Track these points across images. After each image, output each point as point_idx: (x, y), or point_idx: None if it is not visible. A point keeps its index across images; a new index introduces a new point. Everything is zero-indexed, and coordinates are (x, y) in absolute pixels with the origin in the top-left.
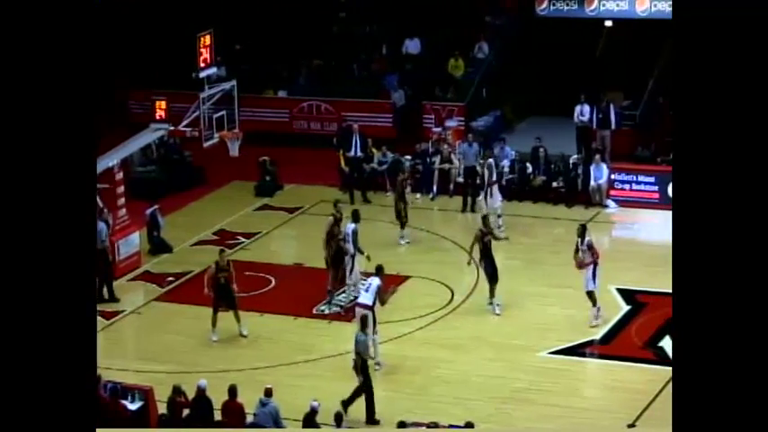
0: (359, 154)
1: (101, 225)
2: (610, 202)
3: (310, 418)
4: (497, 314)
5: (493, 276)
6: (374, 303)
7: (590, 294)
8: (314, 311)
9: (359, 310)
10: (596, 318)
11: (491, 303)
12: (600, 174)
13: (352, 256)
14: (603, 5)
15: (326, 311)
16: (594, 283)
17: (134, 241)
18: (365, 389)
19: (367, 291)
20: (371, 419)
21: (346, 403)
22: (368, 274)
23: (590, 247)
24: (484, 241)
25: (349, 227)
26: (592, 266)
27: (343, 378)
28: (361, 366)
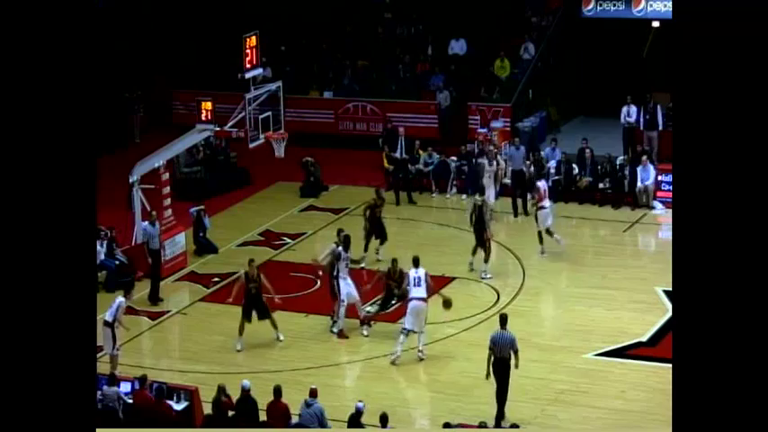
0: (404, 155)
1: (152, 229)
2: (656, 204)
3: (355, 419)
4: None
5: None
6: (429, 295)
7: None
8: (358, 313)
9: (416, 304)
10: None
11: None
12: (647, 175)
13: (337, 278)
14: (651, 6)
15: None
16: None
17: (180, 242)
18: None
19: (419, 285)
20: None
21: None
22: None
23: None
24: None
25: (336, 249)
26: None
27: (387, 379)
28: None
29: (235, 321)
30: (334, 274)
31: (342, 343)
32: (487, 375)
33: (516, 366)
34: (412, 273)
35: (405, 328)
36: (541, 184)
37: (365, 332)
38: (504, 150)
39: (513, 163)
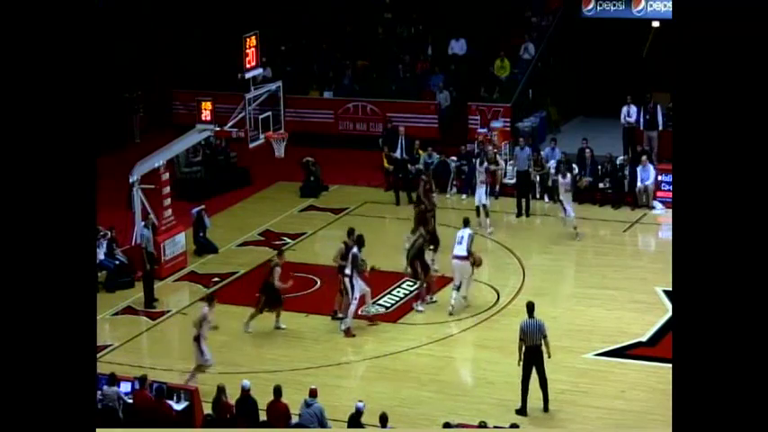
0: (404, 155)
1: (145, 232)
2: (656, 204)
3: (355, 419)
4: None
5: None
6: (469, 254)
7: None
8: (359, 312)
9: (456, 263)
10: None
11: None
12: (647, 175)
13: (350, 277)
14: (651, 6)
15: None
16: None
17: (180, 242)
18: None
19: (460, 243)
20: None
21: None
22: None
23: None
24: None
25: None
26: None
27: (387, 379)
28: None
29: (235, 321)
30: (347, 272)
31: (350, 337)
32: (519, 362)
33: (549, 355)
34: (459, 232)
35: (454, 284)
36: (564, 181)
37: (420, 308)
38: (505, 150)
39: (518, 163)
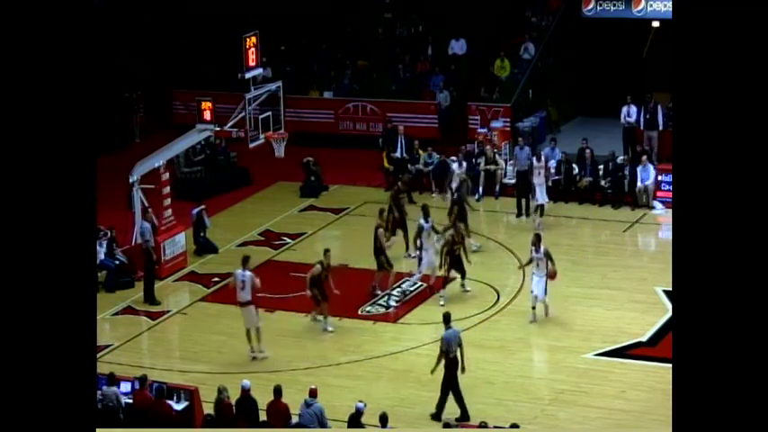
0: (404, 155)
1: (145, 225)
2: (656, 204)
3: (355, 419)
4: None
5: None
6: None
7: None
8: (359, 312)
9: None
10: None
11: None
12: (647, 175)
13: (420, 249)
14: (651, 6)
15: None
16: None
17: (180, 242)
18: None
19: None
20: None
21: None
22: None
23: (547, 255)
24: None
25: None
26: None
27: (387, 379)
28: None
29: (235, 321)
30: (418, 245)
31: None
32: (433, 371)
33: (463, 369)
34: (534, 253)
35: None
36: (538, 164)
37: (442, 302)
38: (505, 150)
39: (518, 163)
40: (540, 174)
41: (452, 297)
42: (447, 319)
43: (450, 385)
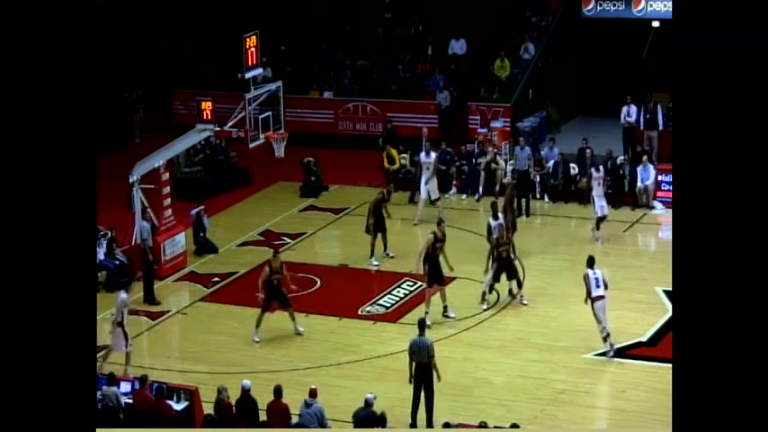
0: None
1: (144, 225)
2: (656, 204)
3: (368, 407)
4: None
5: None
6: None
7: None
8: (359, 312)
9: (599, 304)
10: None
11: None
12: (647, 175)
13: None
14: (651, 6)
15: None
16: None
17: (180, 242)
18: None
19: (598, 285)
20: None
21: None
22: None
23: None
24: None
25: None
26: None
27: (387, 379)
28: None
29: (235, 321)
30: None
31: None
32: (410, 380)
33: (439, 378)
34: (590, 273)
35: (603, 327)
36: (597, 174)
37: (525, 301)
38: (505, 150)
39: (517, 163)
40: (599, 184)
41: (452, 297)
42: (421, 325)
43: (413, 391)
